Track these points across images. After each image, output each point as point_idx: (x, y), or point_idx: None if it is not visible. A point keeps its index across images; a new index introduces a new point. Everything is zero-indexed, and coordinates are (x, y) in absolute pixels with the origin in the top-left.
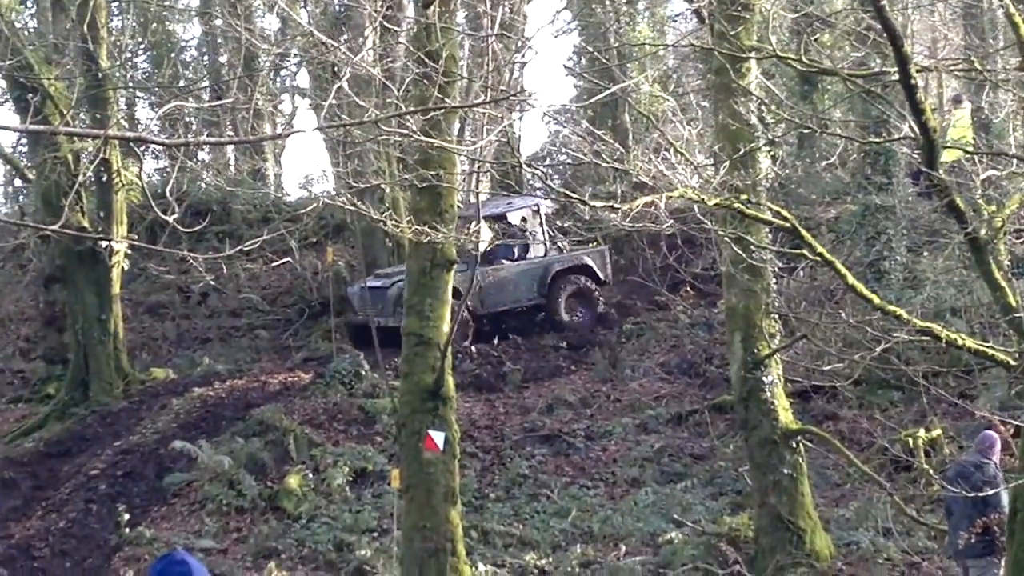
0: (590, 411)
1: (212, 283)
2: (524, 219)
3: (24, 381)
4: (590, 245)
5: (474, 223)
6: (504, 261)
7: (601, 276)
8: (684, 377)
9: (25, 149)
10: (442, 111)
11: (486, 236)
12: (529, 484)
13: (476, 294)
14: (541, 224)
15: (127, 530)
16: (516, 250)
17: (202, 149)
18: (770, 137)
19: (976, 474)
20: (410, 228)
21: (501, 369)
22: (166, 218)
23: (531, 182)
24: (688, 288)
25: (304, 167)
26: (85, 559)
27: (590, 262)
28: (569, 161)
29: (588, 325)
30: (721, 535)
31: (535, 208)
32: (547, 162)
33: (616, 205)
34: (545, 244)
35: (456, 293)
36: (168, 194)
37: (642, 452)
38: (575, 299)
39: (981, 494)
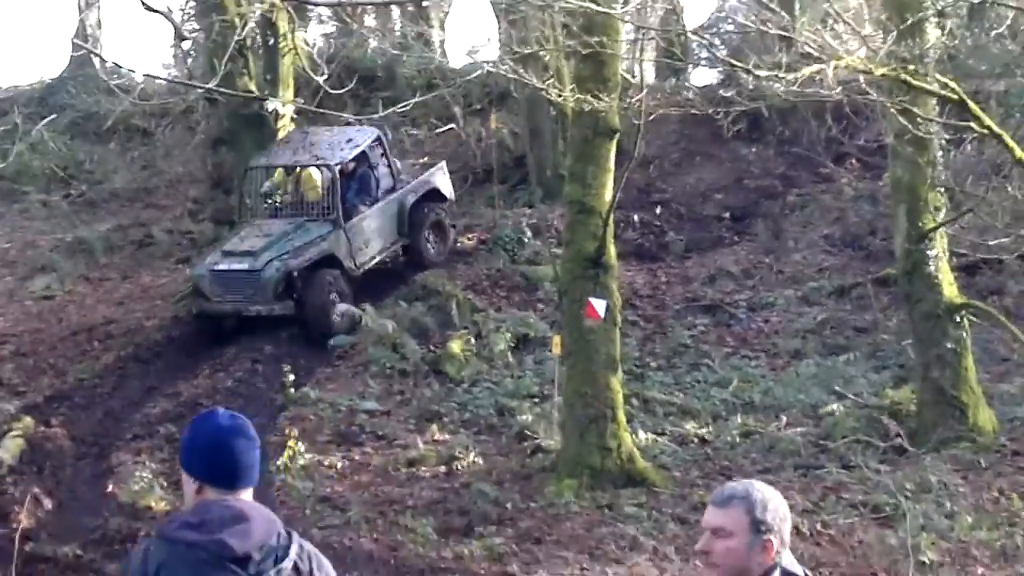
0: (752, 282)
1: None
2: (366, 154)
3: (192, 242)
4: (422, 162)
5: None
6: (361, 208)
7: (447, 195)
8: (848, 250)
9: (193, 13)
10: None
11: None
12: (690, 354)
13: (348, 254)
14: (385, 155)
15: (292, 390)
16: (372, 191)
17: (367, 12)
18: (939, 7)
19: None
20: (573, 96)
21: (663, 239)
22: (325, 86)
23: (696, 52)
24: (853, 160)
25: (469, 35)
26: (251, 418)
27: (437, 183)
28: (735, 31)
29: (444, 255)
30: (883, 408)
31: (376, 139)
32: (712, 31)
33: (781, 75)
34: (392, 175)
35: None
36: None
37: (804, 324)
38: (432, 229)
39: None
